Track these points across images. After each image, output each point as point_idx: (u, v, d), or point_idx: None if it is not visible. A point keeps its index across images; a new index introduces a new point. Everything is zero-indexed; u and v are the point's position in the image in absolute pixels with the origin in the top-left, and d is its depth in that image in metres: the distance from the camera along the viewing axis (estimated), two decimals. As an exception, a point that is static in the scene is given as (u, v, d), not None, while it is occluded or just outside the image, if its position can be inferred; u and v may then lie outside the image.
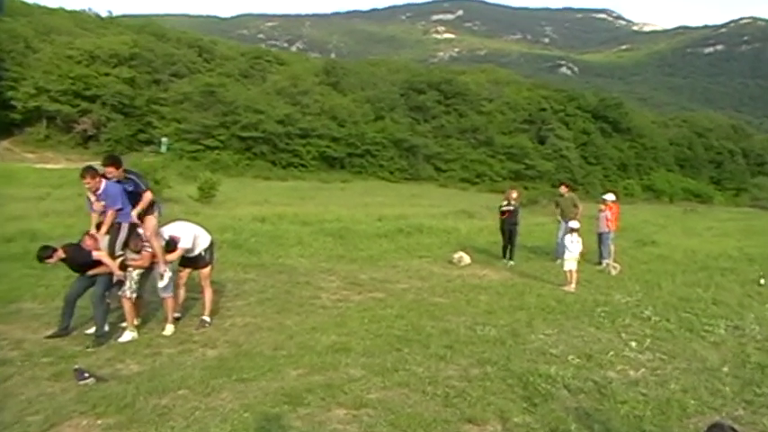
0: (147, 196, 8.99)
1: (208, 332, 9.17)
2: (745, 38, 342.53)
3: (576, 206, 17.58)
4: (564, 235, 16.20)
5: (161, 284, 9.01)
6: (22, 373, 7.15)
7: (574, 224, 14.56)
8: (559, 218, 18.02)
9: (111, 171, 8.71)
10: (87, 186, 8.74)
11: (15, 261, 12.60)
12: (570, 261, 13.89)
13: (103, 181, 8.70)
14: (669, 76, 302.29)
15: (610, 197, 18.82)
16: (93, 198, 8.78)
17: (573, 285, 13.58)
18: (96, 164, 9.40)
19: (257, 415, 5.95)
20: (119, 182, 8.75)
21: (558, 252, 16.94)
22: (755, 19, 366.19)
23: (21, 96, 60.34)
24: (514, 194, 18.44)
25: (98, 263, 8.60)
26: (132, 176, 8.88)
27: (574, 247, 14.00)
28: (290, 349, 8.30)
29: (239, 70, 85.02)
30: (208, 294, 9.75)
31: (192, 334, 9.06)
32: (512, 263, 17.41)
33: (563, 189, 18.70)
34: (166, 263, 9.03)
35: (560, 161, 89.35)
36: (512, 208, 17.85)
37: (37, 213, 19.48)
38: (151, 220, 8.91)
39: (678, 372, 7.92)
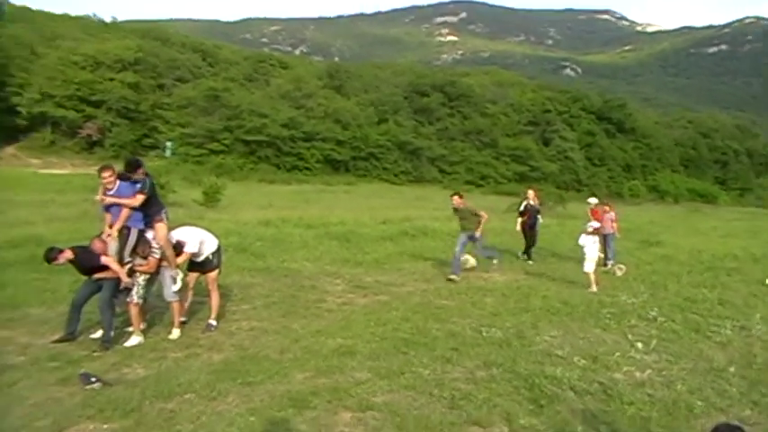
0: (136, 200, 8.74)
1: (214, 336, 9.18)
2: (749, 37, 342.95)
3: (476, 215, 15.16)
4: (461, 249, 15.01)
5: (174, 288, 9.04)
6: (29, 378, 7.17)
7: (594, 224, 14.60)
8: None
9: (139, 175, 8.73)
10: (106, 182, 8.68)
11: (21, 266, 12.63)
12: (590, 263, 13.90)
13: (118, 181, 8.72)
14: (673, 77, 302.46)
15: (593, 200, 18.99)
16: (100, 194, 8.76)
17: (594, 287, 13.56)
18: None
19: (263, 418, 5.96)
20: (135, 182, 8.74)
21: (454, 267, 14.80)
22: (759, 18, 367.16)
23: (26, 102, 60.50)
24: (531, 194, 18.69)
25: (106, 267, 8.62)
26: (147, 178, 8.86)
27: (591, 249, 14.00)
28: (295, 353, 8.30)
29: (243, 74, 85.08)
30: (215, 298, 9.77)
31: (198, 338, 9.08)
32: (529, 262, 17.78)
33: (456, 200, 15.56)
34: (178, 267, 9.08)
35: (565, 162, 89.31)
36: (528, 208, 18.25)
37: (42, 219, 19.51)
38: (162, 228, 8.91)
39: (685, 372, 7.91)
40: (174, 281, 9.04)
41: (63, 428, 5.77)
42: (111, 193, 8.66)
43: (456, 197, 15.58)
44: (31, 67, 63.61)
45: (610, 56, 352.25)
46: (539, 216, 18.69)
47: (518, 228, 18.53)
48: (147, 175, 8.91)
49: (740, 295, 13.35)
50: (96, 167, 9.30)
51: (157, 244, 8.81)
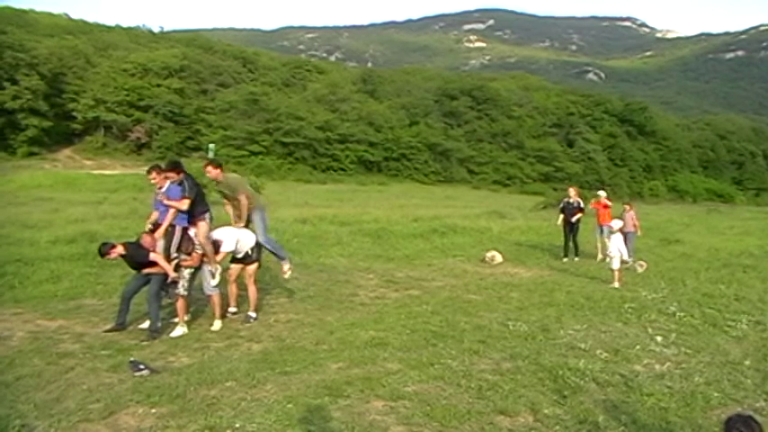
0: (183, 204, 8.86)
1: (253, 327, 9.25)
2: (764, 44, 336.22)
3: (235, 198, 9.99)
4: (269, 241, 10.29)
5: (213, 282, 9.13)
6: (84, 365, 7.31)
7: (617, 223, 14.44)
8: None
9: (171, 176, 8.83)
10: (153, 182, 8.96)
11: (76, 261, 12.84)
12: (616, 260, 13.77)
13: (167, 180, 8.86)
14: (692, 81, 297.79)
15: (602, 193, 18.68)
16: (158, 194, 8.98)
17: (617, 283, 13.44)
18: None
19: (300, 406, 5.98)
20: (180, 184, 8.87)
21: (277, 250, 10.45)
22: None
23: (81, 108, 61.78)
24: (571, 192, 18.46)
25: (154, 263, 8.74)
26: (187, 182, 8.95)
27: (615, 247, 13.87)
28: (330, 344, 8.32)
29: (281, 79, 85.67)
30: (252, 291, 9.84)
31: (239, 329, 9.16)
32: (576, 259, 17.62)
33: (211, 171, 9.74)
34: (217, 263, 9.16)
35: (588, 163, 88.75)
36: (565, 205, 18.22)
37: (95, 216, 19.80)
38: (203, 226, 9.00)
39: (702, 365, 7.80)
40: (213, 276, 9.14)
41: (114, 412, 5.84)
42: (162, 192, 8.89)
43: (210, 167, 9.83)
44: (86, 75, 64.83)
45: (631, 61, 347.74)
46: (579, 214, 18.05)
47: (558, 223, 18.38)
48: (186, 175, 8.99)
49: (756, 291, 13.10)
50: (145, 168, 9.45)
51: (197, 240, 8.92)
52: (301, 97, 77.12)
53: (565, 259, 17.54)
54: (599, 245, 17.80)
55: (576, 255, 17.83)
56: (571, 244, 17.94)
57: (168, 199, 8.83)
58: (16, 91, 56.74)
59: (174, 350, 8.09)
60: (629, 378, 7.17)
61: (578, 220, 18.00)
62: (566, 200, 18.45)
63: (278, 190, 41.68)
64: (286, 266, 10.42)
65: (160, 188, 8.99)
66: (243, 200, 9.82)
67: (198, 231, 8.94)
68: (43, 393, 6.38)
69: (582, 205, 18.33)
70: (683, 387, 6.96)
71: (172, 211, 8.77)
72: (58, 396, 6.31)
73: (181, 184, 8.86)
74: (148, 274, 8.86)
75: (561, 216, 18.20)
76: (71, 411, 5.87)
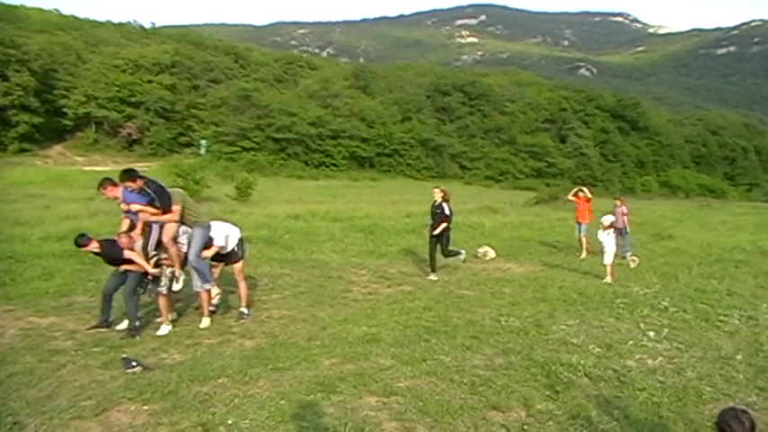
0: (172, 215, 8.70)
1: (246, 324, 9.23)
2: (756, 39, 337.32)
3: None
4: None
5: (176, 287, 8.94)
6: (76, 362, 7.28)
7: (608, 218, 14.45)
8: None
9: (128, 185, 8.63)
10: (105, 196, 8.93)
11: (68, 258, 12.79)
12: (609, 255, 13.79)
13: (120, 188, 8.75)
14: (684, 77, 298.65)
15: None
16: (123, 207, 8.88)
17: (610, 278, 13.48)
18: (140, 166, 9.43)
19: (293, 402, 5.99)
20: (139, 192, 8.65)
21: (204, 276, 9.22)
22: (765, 21, 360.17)
23: (72, 104, 61.47)
24: (437, 193, 14.55)
25: (129, 260, 8.67)
26: (151, 191, 8.65)
27: (609, 242, 13.89)
28: (323, 340, 8.33)
29: (273, 75, 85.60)
30: (243, 287, 9.82)
31: (231, 325, 9.14)
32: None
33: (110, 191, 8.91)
34: (181, 267, 8.99)
35: (580, 159, 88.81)
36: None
37: (87, 213, 19.70)
38: (172, 227, 8.81)
39: (694, 360, 7.84)
40: (177, 280, 8.93)
41: (106, 409, 5.84)
42: (122, 200, 8.78)
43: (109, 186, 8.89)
44: (77, 71, 64.56)
45: (623, 56, 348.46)
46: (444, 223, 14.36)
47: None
48: (147, 181, 8.71)
49: (748, 286, 13.18)
50: (137, 164, 9.37)
51: (163, 240, 8.76)
52: (293, 93, 77.01)
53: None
54: (580, 243, 17.83)
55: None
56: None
57: (128, 203, 8.70)
58: (7, 87, 56.31)
59: (167, 347, 8.07)
60: (622, 373, 7.20)
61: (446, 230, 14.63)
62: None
63: (270, 186, 41.63)
64: (214, 291, 9.35)
65: (116, 198, 8.85)
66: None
67: (165, 231, 8.77)
68: (35, 390, 6.35)
69: (447, 211, 14.49)
70: (675, 382, 7.00)
71: (141, 215, 8.68)
72: (49, 393, 6.29)
73: (141, 191, 8.60)
74: (126, 271, 8.79)
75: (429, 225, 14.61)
76: (63, 408, 5.85)
